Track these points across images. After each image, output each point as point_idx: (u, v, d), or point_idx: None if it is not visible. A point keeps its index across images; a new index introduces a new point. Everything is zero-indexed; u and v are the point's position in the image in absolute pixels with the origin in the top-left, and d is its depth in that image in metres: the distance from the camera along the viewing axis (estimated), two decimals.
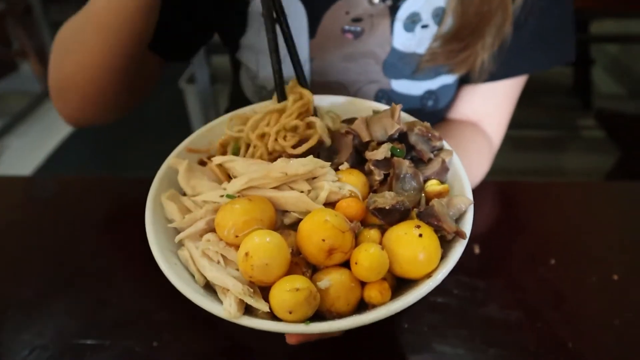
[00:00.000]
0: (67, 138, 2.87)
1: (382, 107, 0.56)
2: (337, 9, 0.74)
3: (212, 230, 0.46)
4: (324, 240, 0.40)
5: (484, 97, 0.83)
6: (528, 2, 0.73)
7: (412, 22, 0.74)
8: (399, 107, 0.51)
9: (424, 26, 0.74)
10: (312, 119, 0.52)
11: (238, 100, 0.88)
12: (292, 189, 0.46)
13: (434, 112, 0.83)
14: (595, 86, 2.96)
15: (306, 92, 0.54)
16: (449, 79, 0.80)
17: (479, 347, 0.60)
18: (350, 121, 0.55)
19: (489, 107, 0.85)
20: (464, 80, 0.83)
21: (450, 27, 0.73)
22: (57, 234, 0.79)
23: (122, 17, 0.62)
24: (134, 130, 2.90)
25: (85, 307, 0.66)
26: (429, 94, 0.80)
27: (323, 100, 0.58)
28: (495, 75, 0.79)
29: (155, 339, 0.61)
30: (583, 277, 0.69)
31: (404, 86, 0.79)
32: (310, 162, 0.47)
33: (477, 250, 0.73)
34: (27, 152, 2.75)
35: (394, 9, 0.74)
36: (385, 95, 0.79)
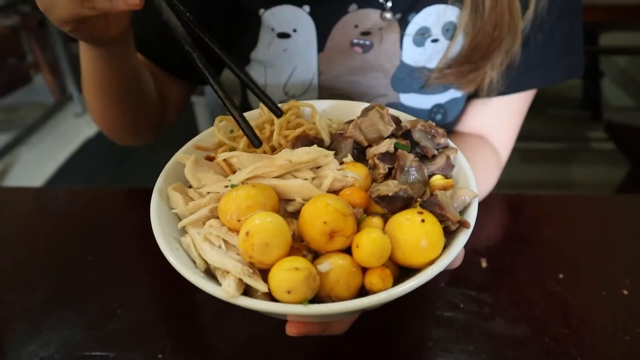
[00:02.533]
0: (79, 149, 2.90)
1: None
2: (345, 22, 0.75)
3: (215, 217, 0.46)
4: (325, 222, 0.40)
5: (493, 111, 0.83)
6: (537, 19, 0.73)
7: (422, 36, 0.74)
8: (385, 110, 0.52)
9: (434, 40, 0.74)
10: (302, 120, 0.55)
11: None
12: (296, 177, 0.47)
13: (443, 126, 0.82)
14: (604, 98, 2.94)
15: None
16: (457, 93, 0.80)
17: None
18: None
19: (497, 121, 0.84)
20: (473, 94, 0.83)
21: (461, 49, 0.74)
22: (65, 245, 0.80)
23: (105, 75, 0.68)
24: None
25: (91, 319, 0.66)
26: (438, 107, 0.80)
27: (316, 105, 0.59)
28: (504, 90, 0.79)
29: (160, 351, 0.61)
30: (592, 291, 0.68)
31: (412, 100, 0.79)
32: (314, 151, 0.48)
33: (484, 264, 0.72)
34: (38, 164, 2.79)
35: (403, 23, 0.74)
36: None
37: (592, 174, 2.48)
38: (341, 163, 0.50)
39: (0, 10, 2.47)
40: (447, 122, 0.83)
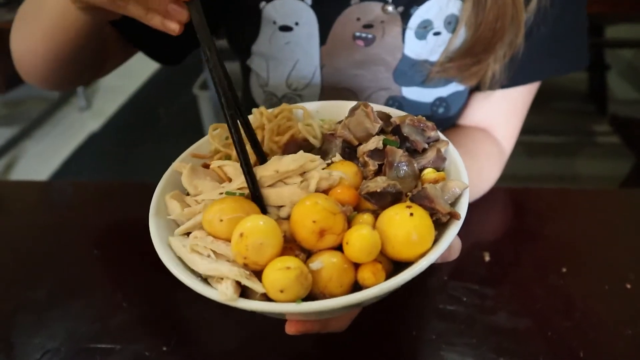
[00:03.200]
0: (84, 143, 2.91)
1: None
2: (347, 15, 0.74)
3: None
4: (314, 221, 0.41)
5: (496, 104, 0.83)
6: (541, 11, 0.72)
7: (424, 29, 0.74)
8: (369, 108, 0.52)
9: (436, 33, 0.74)
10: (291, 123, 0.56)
11: (249, 107, 0.89)
12: (286, 183, 0.48)
13: (445, 119, 0.83)
14: (610, 91, 2.93)
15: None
16: (460, 86, 0.80)
17: (487, 355, 0.59)
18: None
19: (500, 114, 0.84)
20: (476, 87, 0.83)
21: (463, 42, 0.73)
22: (71, 238, 0.80)
23: (63, 22, 0.62)
24: (149, 135, 2.94)
25: (96, 311, 0.66)
26: (440, 101, 0.80)
27: (309, 106, 0.60)
28: (507, 82, 0.78)
29: (165, 344, 0.62)
30: (595, 285, 0.68)
31: (414, 93, 0.79)
32: (301, 158, 0.48)
33: (487, 257, 0.72)
34: (43, 157, 2.80)
35: (405, 16, 0.74)
36: (396, 102, 0.80)
37: (597, 167, 2.47)
38: (331, 163, 0.50)
39: (3, 5, 2.46)
40: (450, 115, 0.82)
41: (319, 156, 0.50)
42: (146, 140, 2.88)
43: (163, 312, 0.67)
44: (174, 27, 0.44)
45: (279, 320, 0.46)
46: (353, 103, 0.59)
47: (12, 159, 2.81)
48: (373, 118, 0.52)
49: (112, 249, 0.78)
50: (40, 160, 2.78)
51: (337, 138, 0.52)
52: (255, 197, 0.47)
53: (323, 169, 0.48)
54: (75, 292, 0.70)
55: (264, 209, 0.47)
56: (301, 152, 0.49)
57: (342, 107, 0.59)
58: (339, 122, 0.55)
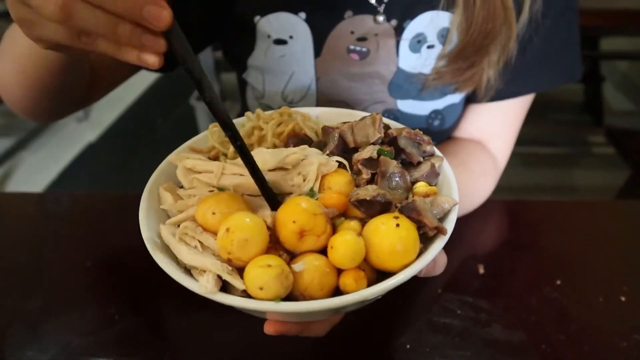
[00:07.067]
0: (80, 154, 2.91)
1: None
2: (341, 28, 0.75)
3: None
4: (294, 222, 0.42)
5: (490, 116, 0.83)
6: (533, 21, 0.73)
7: (418, 42, 0.75)
8: (379, 116, 0.52)
9: (430, 46, 0.75)
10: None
11: None
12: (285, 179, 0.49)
13: (441, 132, 0.83)
14: (605, 103, 2.94)
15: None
16: (455, 98, 0.80)
17: None
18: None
19: (495, 126, 0.85)
20: (470, 99, 0.83)
21: (455, 45, 0.74)
22: (65, 250, 0.80)
23: (33, 59, 0.61)
24: (146, 146, 2.94)
25: (89, 324, 0.66)
26: (435, 113, 0.81)
27: (311, 111, 0.60)
28: (502, 94, 0.79)
29: (158, 357, 0.61)
30: (589, 298, 0.68)
31: (410, 106, 0.80)
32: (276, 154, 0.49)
33: (481, 270, 0.72)
34: (41, 168, 2.79)
35: (399, 29, 0.74)
36: (392, 116, 0.80)
37: (593, 178, 2.48)
38: (330, 154, 0.51)
39: (2, 16, 2.48)
40: (445, 128, 0.83)
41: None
42: (143, 150, 2.88)
43: (156, 325, 0.66)
44: (152, 61, 0.40)
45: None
46: (353, 111, 0.59)
47: (9, 169, 2.80)
48: (378, 127, 0.52)
49: (105, 261, 0.77)
50: (38, 170, 2.78)
51: (335, 131, 0.52)
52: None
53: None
54: (68, 305, 0.69)
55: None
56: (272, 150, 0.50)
57: (341, 115, 0.60)
58: (344, 123, 0.55)
